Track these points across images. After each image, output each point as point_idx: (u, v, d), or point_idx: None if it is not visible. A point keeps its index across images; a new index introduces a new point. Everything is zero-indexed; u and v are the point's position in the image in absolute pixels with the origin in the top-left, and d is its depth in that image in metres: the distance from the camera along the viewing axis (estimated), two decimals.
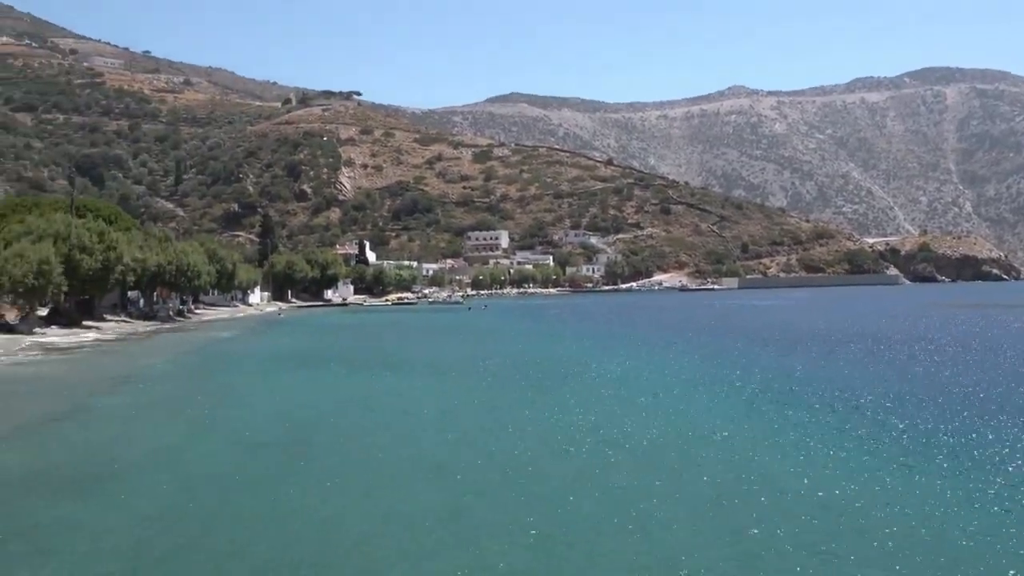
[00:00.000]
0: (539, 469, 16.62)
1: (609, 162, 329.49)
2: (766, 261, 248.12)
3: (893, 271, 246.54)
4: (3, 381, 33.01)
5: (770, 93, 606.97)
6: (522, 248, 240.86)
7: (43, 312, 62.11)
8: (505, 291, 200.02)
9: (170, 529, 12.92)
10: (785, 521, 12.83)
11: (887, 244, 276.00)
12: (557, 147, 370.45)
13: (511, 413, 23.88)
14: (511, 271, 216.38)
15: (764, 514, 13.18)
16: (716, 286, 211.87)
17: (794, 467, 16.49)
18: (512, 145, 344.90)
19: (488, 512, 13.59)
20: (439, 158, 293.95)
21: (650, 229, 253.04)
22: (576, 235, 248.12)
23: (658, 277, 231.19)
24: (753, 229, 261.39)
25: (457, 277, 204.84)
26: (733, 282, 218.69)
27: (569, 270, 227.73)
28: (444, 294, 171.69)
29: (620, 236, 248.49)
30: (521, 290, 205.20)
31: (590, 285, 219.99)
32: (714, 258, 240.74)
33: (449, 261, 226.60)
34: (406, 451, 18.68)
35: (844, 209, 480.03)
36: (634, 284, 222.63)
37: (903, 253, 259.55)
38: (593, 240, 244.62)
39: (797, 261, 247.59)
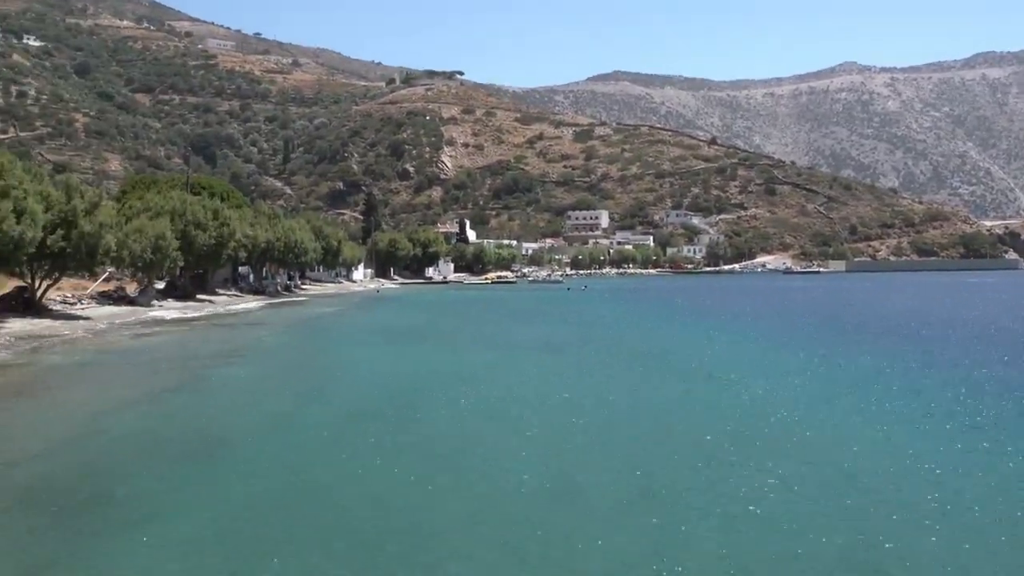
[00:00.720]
0: (630, 442, 16.46)
1: (712, 141, 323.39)
2: (875, 244, 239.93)
3: (1012, 255, 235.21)
4: (124, 352, 34.57)
5: (883, 69, 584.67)
6: (622, 228, 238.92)
7: (160, 285, 64.72)
8: (604, 271, 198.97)
9: (280, 495, 13.28)
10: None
11: (1006, 227, 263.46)
12: (659, 126, 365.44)
13: (616, 394, 23.72)
14: (610, 251, 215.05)
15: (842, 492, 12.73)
16: (822, 269, 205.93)
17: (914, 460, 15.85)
18: (613, 124, 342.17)
19: (590, 484, 13.52)
20: (540, 137, 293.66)
21: (754, 210, 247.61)
22: (677, 215, 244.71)
23: (761, 259, 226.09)
24: (862, 210, 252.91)
25: (556, 257, 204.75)
26: (840, 265, 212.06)
27: (670, 251, 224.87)
28: (543, 273, 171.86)
29: (723, 217, 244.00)
30: (620, 271, 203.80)
31: (691, 266, 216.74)
32: (820, 240, 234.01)
33: (548, 241, 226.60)
34: (510, 427, 18.74)
35: (960, 190, 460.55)
36: (736, 266, 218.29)
37: None
38: (695, 221, 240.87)
39: (909, 244, 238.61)
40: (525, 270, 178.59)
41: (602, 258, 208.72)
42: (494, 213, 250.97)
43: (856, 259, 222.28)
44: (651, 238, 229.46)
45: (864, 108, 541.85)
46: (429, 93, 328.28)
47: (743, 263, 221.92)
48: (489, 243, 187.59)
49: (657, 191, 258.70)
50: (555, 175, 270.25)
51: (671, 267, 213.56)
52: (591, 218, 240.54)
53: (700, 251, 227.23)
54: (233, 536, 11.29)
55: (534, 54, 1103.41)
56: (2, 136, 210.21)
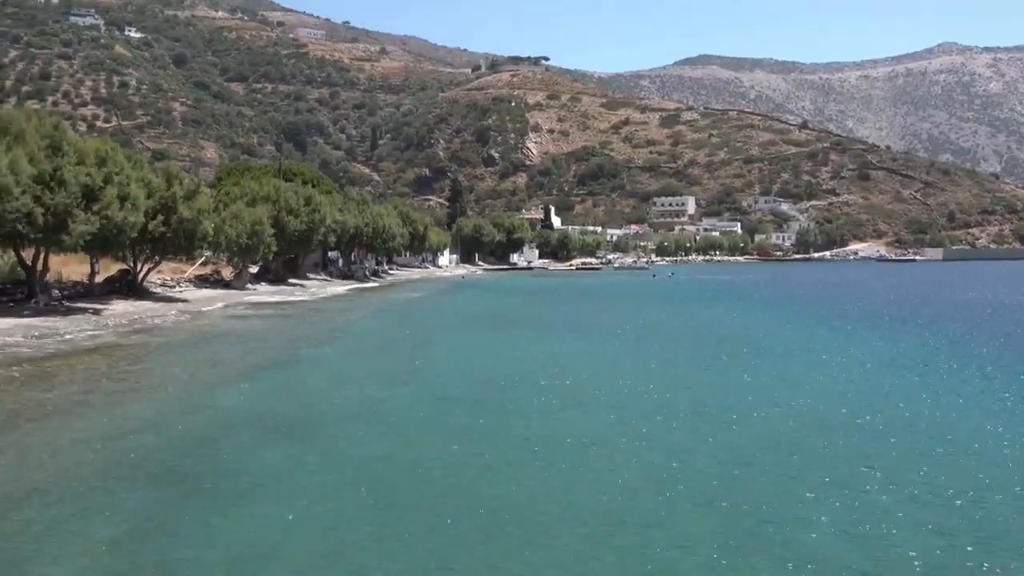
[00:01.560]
0: (725, 443, 16.28)
1: (804, 125, 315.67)
2: (975, 231, 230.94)
3: None
4: (220, 333, 35.69)
5: (986, 49, 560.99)
6: (709, 215, 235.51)
7: (254, 270, 66.52)
8: (690, 258, 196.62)
9: (369, 474, 13.57)
10: None
11: None
12: (748, 110, 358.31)
13: (705, 384, 23.49)
14: (697, 238, 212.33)
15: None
16: (918, 257, 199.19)
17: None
18: (701, 109, 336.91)
19: (681, 479, 13.44)
20: (626, 123, 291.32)
21: (846, 196, 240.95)
22: (766, 202, 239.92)
23: (854, 246, 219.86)
24: (961, 196, 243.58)
25: (641, 243, 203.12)
26: (937, 253, 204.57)
27: (758, 238, 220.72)
28: (629, 260, 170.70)
29: (813, 203, 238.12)
30: (706, 257, 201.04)
31: (779, 254, 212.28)
32: (916, 227, 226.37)
33: (634, 227, 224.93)
34: (602, 414, 18.73)
35: None
36: (827, 253, 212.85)
37: None
38: (784, 207, 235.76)
39: (1011, 232, 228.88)
40: (610, 256, 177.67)
41: (688, 245, 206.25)
42: (579, 199, 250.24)
43: (954, 247, 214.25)
44: (738, 225, 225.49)
45: (964, 90, 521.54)
46: (514, 79, 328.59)
47: (834, 250, 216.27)
48: (574, 229, 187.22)
49: (745, 177, 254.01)
50: (641, 161, 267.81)
51: (759, 254, 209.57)
52: (677, 204, 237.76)
53: (789, 238, 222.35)
54: (332, 513, 11.60)
55: (620, 39, 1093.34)
56: (105, 125, 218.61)
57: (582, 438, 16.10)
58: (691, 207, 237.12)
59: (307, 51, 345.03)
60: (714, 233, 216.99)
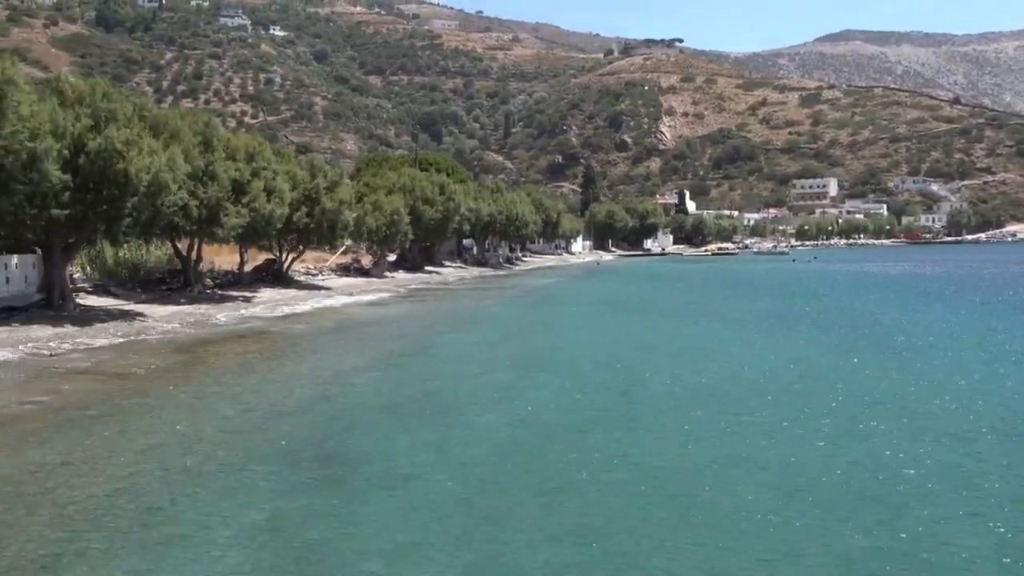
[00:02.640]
0: (857, 431, 15.64)
1: (955, 101, 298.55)
2: None
3: None
4: (360, 320, 36.87)
5: None
6: (852, 196, 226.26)
7: (391, 258, 68.32)
8: (832, 242, 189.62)
9: (504, 462, 13.73)
10: None
11: None
12: (895, 87, 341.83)
13: (865, 379, 22.67)
14: (839, 221, 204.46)
15: None
16: None
17: None
18: (843, 86, 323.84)
19: (823, 479, 13.02)
20: (763, 103, 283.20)
21: (1004, 174, 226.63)
22: (914, 182, 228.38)
23: (1012, 228, 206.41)
24: None
25: (780, 227, 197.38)
26: None
27: (905, 220, 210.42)
28: (768, 244, 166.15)
29: (966, 183, 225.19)
30: (850, 241, 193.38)
31: (929, 236, 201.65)
32: None
33: (772, 210, 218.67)
34: (741, 406, 18.36)
35: None
36: (982, 236, 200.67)
37: None
38: (934, 187, 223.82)
39: None
40: (747, 241, 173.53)
41: (830, 228, 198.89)
42: (714, 183, 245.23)
43: None
44: (884, 207, 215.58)
45: None
46: (648, 63, 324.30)
47: (989, 232, 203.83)
48: (709, 214, 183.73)
49: (892, 156, 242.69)
50: (779, 142, 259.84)
51: (907, 237, 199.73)
52: (818, 186, 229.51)
53: (940, 220, 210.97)
54: (466, 501, 11.80)
55: (757, 17, 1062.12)
56: (252, 121, 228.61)
57: (713, 431, 15.83)
58: (833, 189, 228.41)
59: (441, 42, 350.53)
60: (858, 216, 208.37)
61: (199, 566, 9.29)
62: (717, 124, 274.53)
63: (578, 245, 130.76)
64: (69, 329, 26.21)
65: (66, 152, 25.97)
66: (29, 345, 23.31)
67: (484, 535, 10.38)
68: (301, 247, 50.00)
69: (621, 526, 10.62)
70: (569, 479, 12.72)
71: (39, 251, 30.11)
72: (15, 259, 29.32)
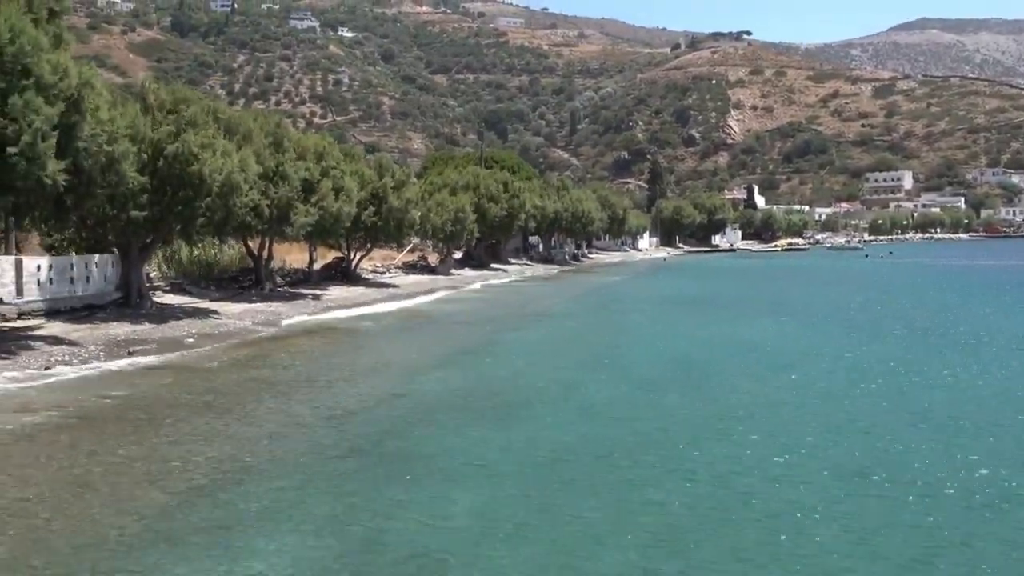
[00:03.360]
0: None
1: None
2: None
3: None
4: (425, 317, 37.27)
5: None
6: (928, 190, 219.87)
7: (457, 255, 68.76)
8: (907, 236, 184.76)
9: (567, 459, 13.78)
10: None
11: None
12: (973, 76, 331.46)
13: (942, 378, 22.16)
14: (914, 215, 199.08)
15: None
16: None
17: None
18: (919, 77, 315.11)
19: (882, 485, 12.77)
20: (834, 95, 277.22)
21: None
22: (993, 174, 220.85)
23: None
24: None
25: (852, 222, 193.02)
26: None
27: (984, 213, 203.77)
28: (840, 239, 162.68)
29: None
30: (925, 236, 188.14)
31: (1009, 230, 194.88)
32: None
33: (844, 205, 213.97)
34: (812, 406, 18.11)
35: None
36: None
37: None
38: (1015, 179, 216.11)
39: None
40: (818, 236, 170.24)
41: (904, 222, 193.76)
42: (784, 177, 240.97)
43: None
44: (962, 200, 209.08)
45: None
46: (715, 56, 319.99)
47: None
48: (779, 209, 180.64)
49: (970, 148, 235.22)
50: (851, 135, 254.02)
51: (986, 231, 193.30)
52: (892, 180, 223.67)
53: (1021, 213, 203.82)
54: (529, 497, 11.90)
55: (828, 7, 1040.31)
56: (322, 121, 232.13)
57: (788, 429, 15.64)
58: (908, 182, 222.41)
59: (507, 40, 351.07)
60: (934, 209, 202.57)
61: (266, 560, 9.55)
62: (787, 117, 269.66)
63: (644, 242, 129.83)
64: (146, 326, 27.03)
65: (145, 155, 26.79)
66: (117, 339, 24.13)
67: (544, 533, 10.45)
68: (369, 245, 50.66)
69: (684, 527, 10.60)
70: (633, 478, 12.72)
71: (117, 251, 31.09)
72: (95, 259, 30.33)
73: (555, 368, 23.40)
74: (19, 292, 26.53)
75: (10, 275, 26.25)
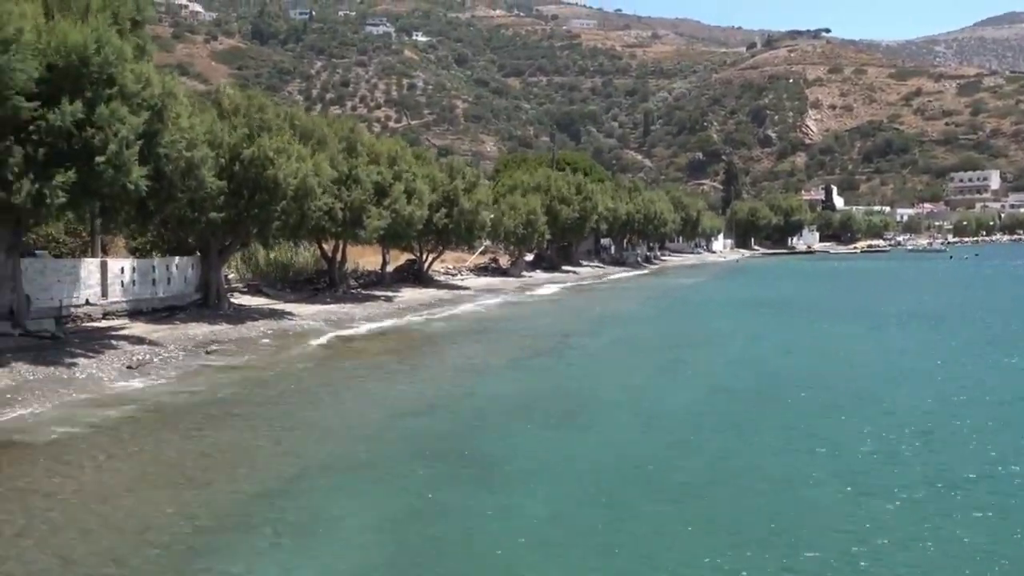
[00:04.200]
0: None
1: None
2: None
3: None
4: (496, 319, 37.43)
5: None
6: (1016, 190, 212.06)
7: (529, 258, 68.94)
8: (994, 238, 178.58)
9: (631, 464, 13.71)
10: None
11: None
12: None
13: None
14: (1001, 215, 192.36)
15: None
16: None
17: None
18: (1006, 73, 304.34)
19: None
20: (917, 93, 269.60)
21: None
22: None
23: None
24: None
25: (936, 223, 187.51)
26: None
27: None
28: (923, 241, 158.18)
29: None
30: (1014, 237, 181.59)
31: None
32: None
33: (927, 205, 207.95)
34: (892, 415, 17.69)
35: None
36: None
37: None
38: None
39: None
40: (899, 238, 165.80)
41: (991, 223, 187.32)
42: (864, 178, 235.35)
43: None
44: None
45: None
46: (792, 55, 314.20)
47: None
48: (858, 210, 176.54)
49: None
50: (935, 133, 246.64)
51: None
52: (978, 180, 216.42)
53: None
54: (594, 503, 11.91)
55: (911, 2, 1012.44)
56: (396, 125, 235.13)
57: (858, 439, 15.32)
58: (995, 182, 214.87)
59: (580, 42, 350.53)
60: (1022, 210, 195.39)
61: (337, 557, 9.76)
62: (867, 116, 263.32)
63: (719, 243, 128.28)
64: (223, 327, 27.77)
65: (222, 160, 27.56)
66: (195, 339, 24.87)
67: (610, 538, 10.44)
68: (440, 248, 51.13)
69: (748, 531, 10.49)
70: (696, 482, 12.62)
71: (198, 253, 32.05)
72: (176, 261, 31.32)
73: (623, 372, 23.33)
74: (104, 293, 27.54)
75: (96, 277, 27.27)
